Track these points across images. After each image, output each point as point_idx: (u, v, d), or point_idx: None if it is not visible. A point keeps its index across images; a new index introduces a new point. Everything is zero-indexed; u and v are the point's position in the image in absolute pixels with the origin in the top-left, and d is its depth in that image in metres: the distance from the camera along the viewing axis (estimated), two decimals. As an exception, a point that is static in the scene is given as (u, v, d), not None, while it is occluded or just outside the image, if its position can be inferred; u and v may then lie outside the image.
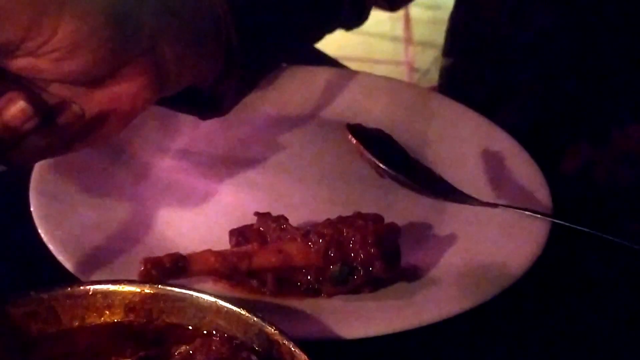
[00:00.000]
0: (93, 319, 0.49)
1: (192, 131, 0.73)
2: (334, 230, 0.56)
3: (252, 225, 0.59)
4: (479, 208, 0.62)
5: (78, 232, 0.59)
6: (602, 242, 0.56)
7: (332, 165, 0.72)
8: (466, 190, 0.61)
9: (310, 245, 0.56)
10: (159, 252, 0.55)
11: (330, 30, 0.80)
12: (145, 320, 0.49)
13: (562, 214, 0.62)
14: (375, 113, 0.78)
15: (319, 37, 0.80)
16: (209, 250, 0.56)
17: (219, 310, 0.48)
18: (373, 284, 0.56)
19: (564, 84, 0.80)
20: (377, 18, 0.83)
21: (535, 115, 0.83)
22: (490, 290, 0.56)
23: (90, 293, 0.49)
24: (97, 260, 0.57)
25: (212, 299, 0.48)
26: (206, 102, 0.64)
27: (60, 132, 0.51)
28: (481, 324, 0.57)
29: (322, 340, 0.52)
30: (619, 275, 0.64)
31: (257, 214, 0.59)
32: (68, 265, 0.56)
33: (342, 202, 0.66)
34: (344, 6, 0.77)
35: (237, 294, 0.56)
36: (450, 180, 0.61)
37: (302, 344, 0.45)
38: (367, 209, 0.58)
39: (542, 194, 0.66)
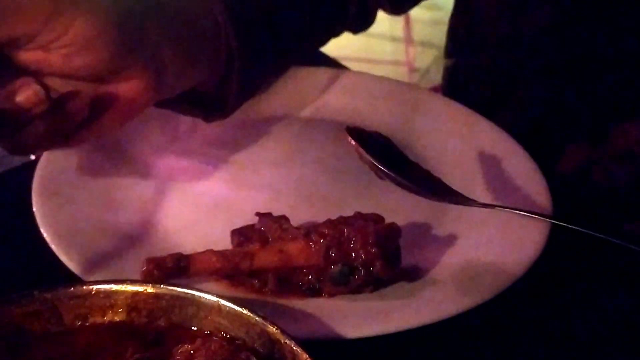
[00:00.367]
0: (95, 319, 0.49)
1: (194, 132, 0.73)
2: (334, 231, 0.56)
3: (253, 225, 0.59)
4: (478, 208, 0.63)
5: (80, 232, 0.59)
6: (601, 242, 0.56)
7: (333, 165, 0.72)
8: (466, 189, 0.61)
9: (311, 245, 0.56)
10: (161, 252, 0.56)
11: (337, 34, 0.80)
12: (147, 319, 0.49)
13: (561, 214, 0.62)
14: (375, 113, 0.78)
15: (325, 41, 0.80)
16: (211, 250, 0.56)
17: (220, 309, 0.48)
18: (374, 284, 0.57)
19: (564, 84, 0.81)
20: (377, 18, 0.83)
21: (534, 115, 0.83)
22: (490, 290, 0.56)
23: (93, 293, 0.49)
24: (99, 260, 0.57)
25: (214, 298, 0.48)
26: (211, 105, 0.65)
27: (61, 121, 0.52)
28: (481, 324, 0.57)
29: (323, 340, 0.52)
30: (617, 276, 0.64)
31: (258, 214, 0.59)
32: (71, 265, 0.56)
33: (342, 203, 0.66)
34: (350, 10, 0.78)
35: (239, 293, 0.56)
36: (449, 181, 0.61)
37: (303, 343, 0.45)
38: (367, 209, 0.58)
39: (541, 194, 0.66)
